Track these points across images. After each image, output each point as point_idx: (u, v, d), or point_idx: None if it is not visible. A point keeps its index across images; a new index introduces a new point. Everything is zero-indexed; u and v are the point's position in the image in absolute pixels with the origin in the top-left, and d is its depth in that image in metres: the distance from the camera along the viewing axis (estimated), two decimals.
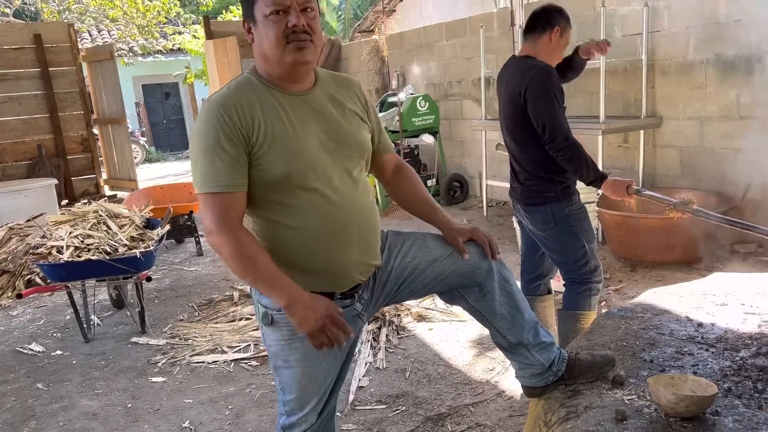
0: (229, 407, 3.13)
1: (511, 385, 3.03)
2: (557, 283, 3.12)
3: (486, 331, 2.03)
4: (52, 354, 3.97)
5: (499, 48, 6.73)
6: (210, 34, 8.42)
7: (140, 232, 4.29)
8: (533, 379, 2.00)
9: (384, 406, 3.01)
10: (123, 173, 9.49)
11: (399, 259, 1.82)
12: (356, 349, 2.56)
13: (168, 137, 19.00)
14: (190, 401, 3.23)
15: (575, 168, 2.59)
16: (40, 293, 4.83)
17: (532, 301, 2.87)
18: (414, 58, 8.35)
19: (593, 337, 2.35)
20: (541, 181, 2.72)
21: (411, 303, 4.05)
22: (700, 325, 2.36)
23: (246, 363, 3.59)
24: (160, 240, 4.26)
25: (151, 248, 3.99)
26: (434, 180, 7.54)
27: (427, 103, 7.38)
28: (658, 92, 5.20)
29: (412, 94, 7.65)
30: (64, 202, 8.08)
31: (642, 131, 5.30)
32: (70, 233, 4.07)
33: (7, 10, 13.17)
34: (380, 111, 7.57)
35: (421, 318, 4.00)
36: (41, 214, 5.29)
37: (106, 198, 6.93)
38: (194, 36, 14.19)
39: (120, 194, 8.84)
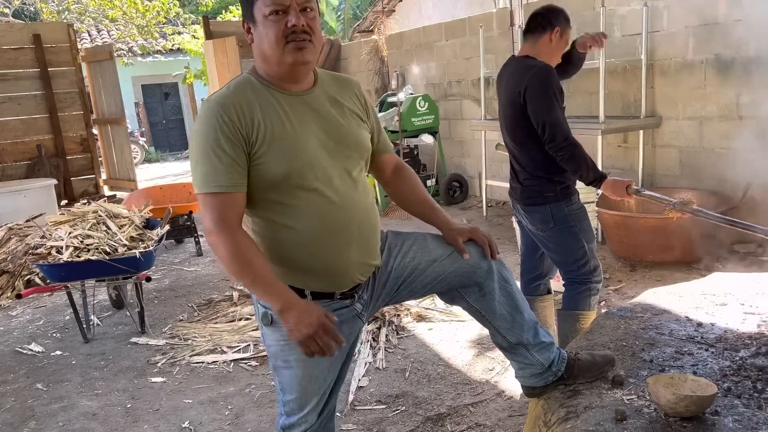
0: (229, 407, 3.13)
1: (511, 385, 3.03)
2: (557, 283, 3.12)
3: (486, 331, 2.03)
4: (52, 354, 3.97)
5: (498, 48, 6.74)
6: (209, 35, 8.42)
7: (140, 233, 4.29)
8: (533, 379, 2.00)
9: (384, 406, 3.01)
10: (122, 173, 9.49)
11: (399, 259, 1.82)
12: (356, 350, 2.56)
13: (167, 137, 18.99)
14: (190, 401, 3.23)
15: (575, 168, 2.59)
16: (39, 293, 4.83)
17: (531, 301, 2.86)
18: (413, 58, 8.35)
19: (593, 337, 2.35)
20: (540, 181, 2.72)
21: (411, 303, 4.05)
22: (699, 324, 2.36)
23: (245, 363, 3.59)
24: (160, 240, 4.25)
25: (151, 248, 3.99)
26: (434, 180, 7.54)
27: (427, 103, 7.39)
28: (658, 92, 5.21)
29: (412, 94, 7.65)
30: (64, 202, 8.08)
31: (641, 131, 5.31)
32: (70, 233, 4.07)
33: (7, 10, 13.16)
34: (380, 111, 7.57)
35: (420, 318, 4.00)
36: (41, 215, 5.29)
37: (105, 198, 6.92)
38: (193, 36, 14.18)
39: (119, 194, 8.84)
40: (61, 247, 3.93)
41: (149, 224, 4.48)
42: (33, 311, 4.85)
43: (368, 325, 3.73)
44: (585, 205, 2.83)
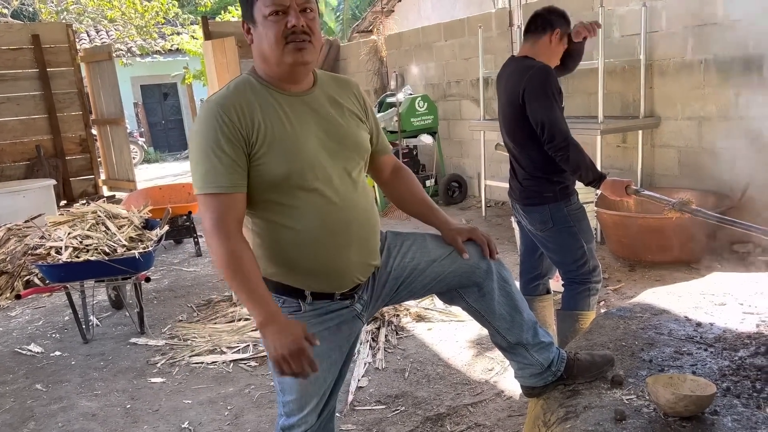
0: (228, 408, 3.13)
1: (510, 385, 3.03)
2: (556, 283, 3.12)
3: (485, 331, 2.03)
4: (51, 355, 3.96)
5: (497, 48, 6.74)
6: (208, 35, 8.42)
7: (139, 233, 4.28)
8: (532, 379, 2.00)
9: (383, 407, 3.01)
10: (121, 174, 9.48)
11: (398, 259, 1.83)
12: (356, 350, 2.56)
13: (166, 138, 18.98)
14: (190, 402, 3.23)
15: (574, 168, 2.59)
16: (38, 294, 4.83)
17: (531, 301, 2.87)
18: (412, 59, 8.35)
19: (592, 337, 2.35)
20: (539, 182, 2.72)
21: (410, 303, 4.05)
22: (698, 324, 2.36)
23: (245, 363, 3.59)
24: (159, 241, 4.25)
25: (150, 249, 3.99)
26: (433, 180, 7.54)
27: (426, 104, 7.39)
28: (657, 92, 5.21)
29: (411, 94, 7.65)
30: (63, 202, 8.07)
31: (640, 131, 5.31)
32: (69, 234, 4.07)
33: (5, 11, 13.16)
34: (379, 111, 7.57)
35: (420, 318, 4.00)
36: (40, 215, 5.29)
37: (104, 199, 6.92)
38: (192, 36, 14.18)
39: (119, 195, 8.84)
40: (61, 248, 3.93)
41: (148, 225, 4.48)
42: (32, 312, 4.85)
43: (368, 325, 3.73)
44: (584, 205, 2.84)
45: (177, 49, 15.27)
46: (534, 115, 2.60)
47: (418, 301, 4.04)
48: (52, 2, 13.85)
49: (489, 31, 6.79)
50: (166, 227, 4.49)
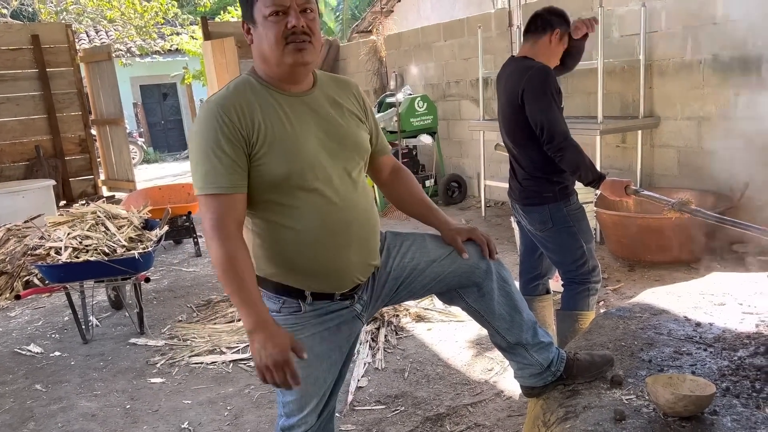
0: (228, 408, 3.13)
1: (510, 385, 3.03)
2: (556, 284, 3.12)
3: (484, 332, 2.03)
4: (51, 355, 3.96)
5: (497, 48, 6.74)
6: (208, 35, 8.42)
7: (138, 233, 4.28)
8: (532, 379, 2.00)
9: (383, 407, 3.01)
10: (121, 174, 9.48)
11: (398, 259, 1.83)
12: (355, 350, 2.57)
13: (166, 138, 18.98)
14: (189, 402, 3.23)
15: (573, 169, 2.59)
16: (38, 294, 4.83)
17: (530, 301, 2.87)
18: (412, 59, 8.35)
19: (592, 337, 2.35)
20: (539, 182, 2.72)
21: (409, 303, 4.05)
22: (698, 324, 2.36)
23: (245, 364, 3.59)
24: (159, 241, 4.25)
25: (150, 249, 3.99)
26: (432, 180, 7.55)
27: (425, 104, 7.39)
28: (656, 92, 5.21)
29: (410, 94, 7.65)
30: (62, 203, 8.07)
31: (640, 131, 5.31)
32: (69, 234, 4.07)
33: (5, 11, 13.16)
34: (378, 111, 7.57)
35: (419, 318, 4.00)
36: (39, 215, 5.29)
37: (104, 199, 6.92)
38: (192, 37, 14.18)
39: (118, 195, 8.84)
40: (60, 248, 3.93)
41: (148, 225, 4.48)
42: (32, 312, 4.84)
43: (367, 325, 3.73)
44: (583, 206, 2.84)
45: (176, 49, 15.28)
46: (533, 115, 2.60)
47: (417, 301, 4.04)
48: (52, 2, 13.85)
49: (488, 31, 6.80)
50: (166, 227, 4.49)
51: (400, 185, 1.97)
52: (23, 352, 4.03)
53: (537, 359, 1.96)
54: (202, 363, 3.64)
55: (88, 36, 16.01)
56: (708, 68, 4.79)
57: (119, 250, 3.99)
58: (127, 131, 9.99)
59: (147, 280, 4.04)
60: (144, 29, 14.35)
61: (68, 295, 4.02)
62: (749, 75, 4.50)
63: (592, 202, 4.63)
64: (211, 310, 4.49)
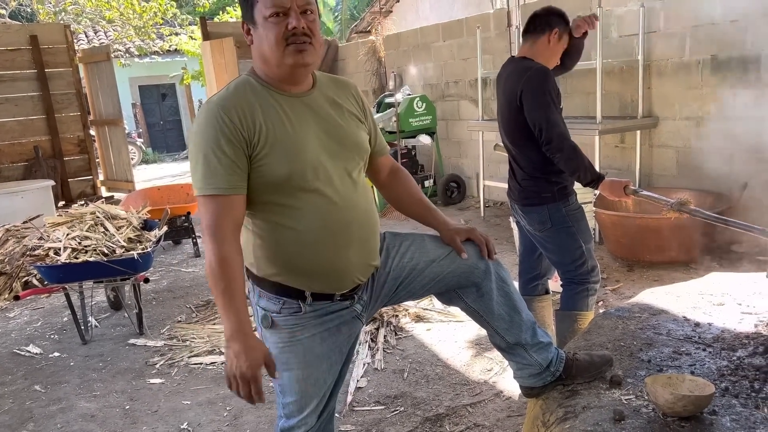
0: (227, 408, 3.13)
1: (509, 386, 3.03)
2: (555, 284, 3.12)
3: (484, 332, 2.03)
4: (50, 356, 3.96)
5: (495, 49, 6.75)
6: (207, 35, 8.42)
7: (138, 234, 4.28)
8: (531, 379, 2.01)
9: (382, 407, 3.01)
10: (120, 174, 9.48)
11: (397, 259, 1.83)
12: (355, 350, 2.56)
13: (165, 138, 18.98)
14: (189, 402, 3.22)
15: (572, 169, 2.59)
16: (37, 295, 4.82)
17: (529, 302, 2.87)
18: (411, 59, 8.35)
19: (591, 337, 2.35)
20: (538, 182, 2.73)
21: (409, 303, 4.05)
22: (697, 324, 2.37)
23: None
24: (158, 241, 4.25)
25: (149, 249, 3.99)
26: (431, 180, 7.54)
27: (424, 104, 7.39)
28: (655, 93, 5.22)
29: (409, 94, 7.65)
30: (61, 203, 8.04)
31: (638, 131, 5.32)
32: (68, 235, 4.06)
33: (3, 12, 13.15)
34: (377, 112, 7.57)
35: (419, 318, 4.01)
36: (38, 216, 5.29)
37: (103, 199, 6.91)
38: (191, 37, 14.18)
39: (117, 195, 8.84)
40: (59, 249, 3.93)
41: (147, 225, 4.48)
42: (31, 313, 4.84)
43: (366, 325, 3.73)
44: (582, 206, 2.84)
45: (175, 49, 15.28)
46: (531, 116, 2.60)
47: (416, 301, 4.04)
48: (50, 3, 13.84)
49: (487, 31, 6.80)
50: (165, 228, 4.48)
51: (399, 186, 1.97)
52: (22, 353, 4.03)
53: (536, 359, 1.96)
54: (201, 363, 3.64)
55: (86, 36, 16.00)
56: (706, 68, 4.79)
57: (118, 251, 3.99)
58: (126, 132, 9.99)
59: (146, 280, 4.04)
60: (143, 30, 14.34)
61: (67, 296, 4.02)
62: (748, 75, 4.50)
63: (591, 202, 4.63)
64: (210, 310, 4.49)
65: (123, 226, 4.29)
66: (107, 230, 4.19)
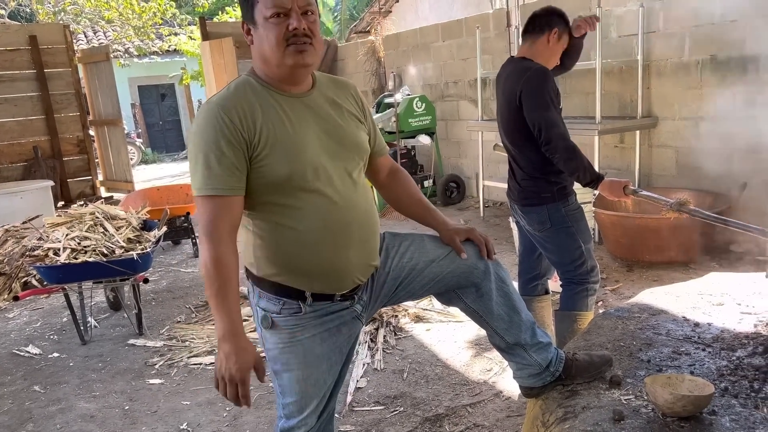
0: (227, 409, 3.12)
1: (509, 386, 3.03)
2: (554, 284, 3.12)
3: (483, 332, 2.03)
4: (49, 356, 3.96)
5: (495, 49, 6.75)
6: (206, 35, 8.42)
7: (137, 234, 4.28)
8: (531, 379, 2.01)
9: (382, 407, 3.01)
10: (119, 175, 9.48)
11: (397, 260, 1.83)
12: (354, 351, 2.57)
13: (164, 138, 18.97)
14: (188, 403, 3.22)
15: (572, 170, 2.59)
16: (36, 295, 4.81)
17: (529, 302, 2.87)
18: (410, 59, 8.35)
19: (590, 337, 2.35)
20: (537, 182, 2.73)
21: (408, 304, 4.05)
22: (696, 325, 2.37)
23: None
24: (157, 242, 4.25)
25: (148, 250, 3.98)
26: (431, 181, 7.55)
27: (424, 104, 7.39)
28: (654, 93, 5.22)
29: (409, 95, 7.65)
30: (60, 203, 8.04)
31: (638, 131, 5.32)
32: (67, 235, 4.06)
33: (2, 12, 13.14)
34: (377, 112, 7.57)
35: (418, 319, 4.01)
36: (37, 216, 5.28)
37: (102, 200, 6.91)
38: (190, 37, 14.18)
39: (116, 196, 8.83)
40: (59, 249, 3.92)
41: (146, 226, 4.48)
42: (30, 313, 4.84)
43: (366, 326, 3.73)
44: (582, 206, 2.84)
45: (174, 49, 15.28)
46: (531, 117, 2.60)
47: (416, 301, 4.04)
48: (50, 3, 13.83)
49: (487, 31, 6.80)
50: (164, 228, 4.48)
51: (398, 186, 1.97)
52: (21, 354, 4.02)
53: (536, 359, 1.96)
54: (200, 364, 3.64)
55: (86, 36, 16.00)
56: (706, 68, 4.80)
57: (118, 251, 3.99)
58: (125, 132, 9.99)
59: (145, 280, 4.04)
60: (142, 30, 14.33)
61: (67, 296, 4.02)
62: (747, 75, 4.50)
63: (590, 202, 4.63)
64: (209, 310, 4.48)
65: (122, 227, 4.29)
66: (106, 231, 4.19)
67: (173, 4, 14.85)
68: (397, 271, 1.82)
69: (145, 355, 3.84)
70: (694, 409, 1.70)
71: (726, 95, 4.67)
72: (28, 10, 14.46)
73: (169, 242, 6.39)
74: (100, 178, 9.56)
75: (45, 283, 4.13)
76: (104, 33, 15.69)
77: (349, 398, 3.09)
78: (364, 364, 3.43)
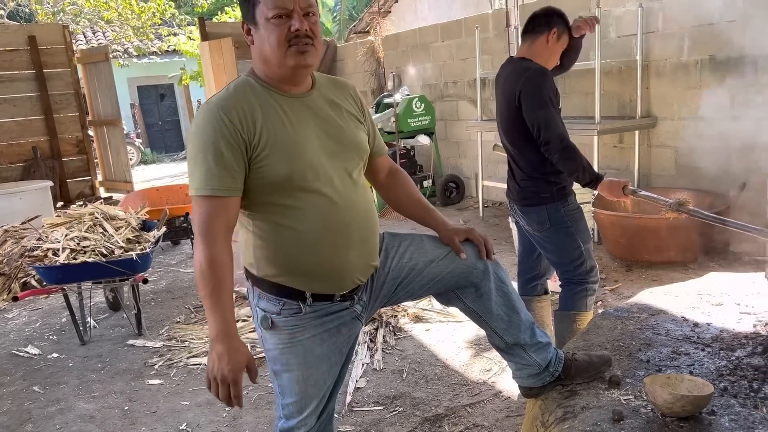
0: (227, 409, 3.12)
1: (508, 386, 3.03)
2: (554, 284, 3.13)
3: (483, 332, 2.03)
4: (49, 357, 3.96)
5: (494, 49, 6.75)
6: (205, 36, 8.41)
7: (136, 234, 4.28)
8: (530, 379, 2.01)
9: (381, 407, 3.01)
10: (118, 175, 9.47)
11: (396, 260, 1.83)
12: (354, 351, 2.57)
13: (163, 138, 18.98)
14: (187, 403, 3.22)
15: (571, 170, 2.60)
16: (35, 296, 4.81)
17: (528, 302, 2.88)
18: (409, 59, 8.36)
19: (590, 337, 2.35)
20: (537, 182, 2.73)
21: (408, 304, 4.05)
22: (695, 325, 2.37)
23: None
24: (157, 242, 4.25)
25: (148, 250, 3.98)
26: (430, 181, 7.55)
27: (423, 104, 7.39)
28: (653, 93, 5.23)
29: (408, 95, 7.66)
30: (60, 204, 8.03)
31: (637, 131, 5.33)
32: (66, 235, 4.06)
33: (2, 12, 13.13)
34: (376, 112, 7.58)
35: (417, 319, 4.01)
36: (36, 217, 5.28)
37: (101, 200, 6.91)
38: (189, 37, 14.17)
39: (116, 196, 8.83)
40: (58, 250, 3.92)
41: (146, 226, 4.48)
42: (29, 314, 4.84)
43: (365, 326, 3.73)
44: (581, 206, 2.84)
45: (174, 50, 15.27)
46: (530, 117, 2.60)
47: (415, 301, 4.04)
48: (49, 3, 13.82)
49: (486, 31, 6.80)
50: (164, 228, 4.48)
51: (397, 187, 1.97)
52: (21, 354, 4.02)
53: (535, 359, 1.96)
54: (200, 364, 3.64)
55: (85, 37, 16.00)
56: (705, 69, 4.80)
57: (117, 252, 3.99)
58: (125, 132, 9.98)
59: (145, 281, 4.04)
60: (141, 30, 14.33)
61: (66, 297, 4.02)
62: (745, 75, 4.51)
63: (589, 202, 4.63)
64: None
65: (122, 227, 4.29)
66: (106, 231, 4.19)
67: (172, 4, 14.84)
68: (397, 271, 1.82)
69: (144, 356, 3.84)
70: (693, 409, 1.70)
71: (725, 95, 4.67)
72: (27, 10, 14.45)
73: (169, 242, 6.39)
74: (100, 178, 9.55)
75: (44, 283, 4.13)
76: (103, 33, 15.69)
77: (348, 398, 3.09)
78: (363, 365, 3.43)
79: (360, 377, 3.30)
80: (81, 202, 5.66)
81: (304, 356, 1.69)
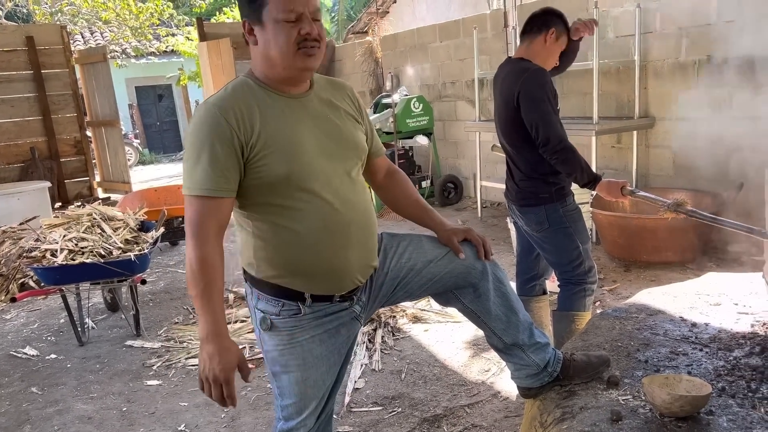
0: (225, 410, 3.12)
1: (507, 386, 3.04)
2: (552, 284, 3.13)
3: (481, 332, 2.03)
4: (47, 358, 3.95)
5: (492, 49, 6.75)
6: (203, 36, 8.41)
7: (134, 235, 4.27)
8: (529, 379, 2.01)
9: (380, 408, 3.01)
10: (116, 175, 9.47)
11: (395, 260, 1.83)
12: (353, 351, 2.56)
13: (161, 139, 18.96)
14: (186, 404, 3.22)
15: (569, 171, 2.60)
16: (33, 297, 4.81)
17: (527, 302, 2.88)
18: (408, 60, 8.36)
19: (588, 337, 2.36)
20: (535, 182, 2.73)
21: (406, 304, 4.06)
22: (694, 325, 2.37)
23: None
24: (155, 243, 4.24)
25: (146, 251, 3.98)
26: (429, 181, 7.55)
27: (421, 105, 7.40)
28: (651, 93, 5.23)
29: (406, 95, 7.66)
30: (58, 204, 8.05)
31: (635, 132, 5.33)
32: (64, 236, 4.05)
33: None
34: (374, 112, 7.58)
35: (416, 319, 4.01)
36: (35, 217, 5.28)
37: (99, 200, 6.91)
38: (187, 38, 14.17)
39: (114, 197, 8.83)
40: (56, 250, 3.92)
41: (144, 227, 4.47)
42: (27, 315, 4.83)
43: (364, 326, 3.73)
44: (580, 206, 2.84)
45: (172, 50, 15.26)
46: (528, 118, 2.60)
47: (414, 302, 4.04)
48: (46, 3, 13.81)
49: (484, 32, 6.81)
50: (162, 229, 4.48)
51: (395, 187, 1.98)
52: (19, 355, 4.02)
53: (534, 360, 1.97)
54: (198, 365, 3.63)
55: (83, 37, 15.98)
56: (702, 69, 4.81)
57: (115, 252, 3.98)
58: (123, 133, 9.97)
59: (143, 281, 4.03)
60: (139, 30, 14.31)
61: (64, 298, 4.01)
62: (743, 75, 4.51)
63: (588, 202, 4.64)
64: None
65: (120, 228, 4.28)
66: (104, 232, 4.19)
67: (170, 4, 14.82)
68: (396, 271, 1.83)
69: (142, 357, 3.84)
70: (691, 409, 1.70)
71: (723, 95, 4.68)
72: (24, 10, 14.45)
73: (167, 243, 6.39)
74: (98, 179, 9.54)
75: (42, 284, 4.12)
76: (101, 34, 15.67)
77: (347, 399, 3.09)
78: (362, 365, 3.43)
79: (359, 378, 3.31)
80: (79, 203, 5.65)
81: (303, 357, 1.69)
